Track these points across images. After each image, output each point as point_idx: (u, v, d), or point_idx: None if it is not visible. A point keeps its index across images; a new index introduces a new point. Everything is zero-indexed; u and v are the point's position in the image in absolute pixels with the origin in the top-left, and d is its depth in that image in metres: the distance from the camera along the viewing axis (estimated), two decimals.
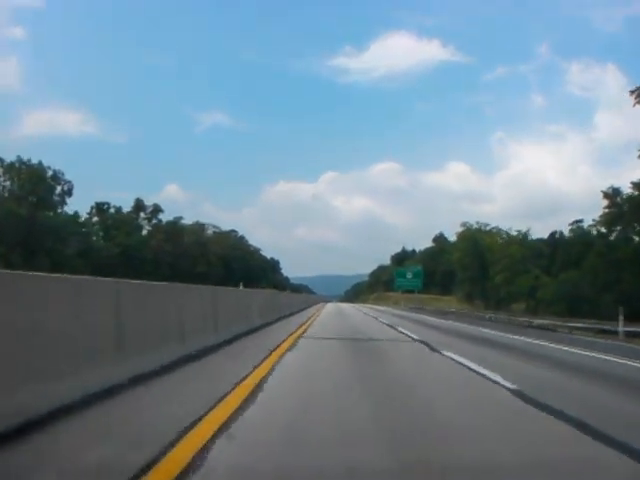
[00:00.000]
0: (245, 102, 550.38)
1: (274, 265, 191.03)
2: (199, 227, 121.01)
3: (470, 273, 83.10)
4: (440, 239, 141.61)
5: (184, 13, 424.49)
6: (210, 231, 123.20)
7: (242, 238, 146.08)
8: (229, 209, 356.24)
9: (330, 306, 59.27)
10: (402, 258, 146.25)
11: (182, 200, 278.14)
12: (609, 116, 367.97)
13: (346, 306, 68.11)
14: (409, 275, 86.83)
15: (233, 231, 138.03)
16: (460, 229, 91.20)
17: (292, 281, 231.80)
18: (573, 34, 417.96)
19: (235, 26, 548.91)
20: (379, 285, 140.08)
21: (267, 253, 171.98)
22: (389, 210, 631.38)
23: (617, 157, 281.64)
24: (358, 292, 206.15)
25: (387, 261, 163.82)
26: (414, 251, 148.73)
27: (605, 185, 53.87)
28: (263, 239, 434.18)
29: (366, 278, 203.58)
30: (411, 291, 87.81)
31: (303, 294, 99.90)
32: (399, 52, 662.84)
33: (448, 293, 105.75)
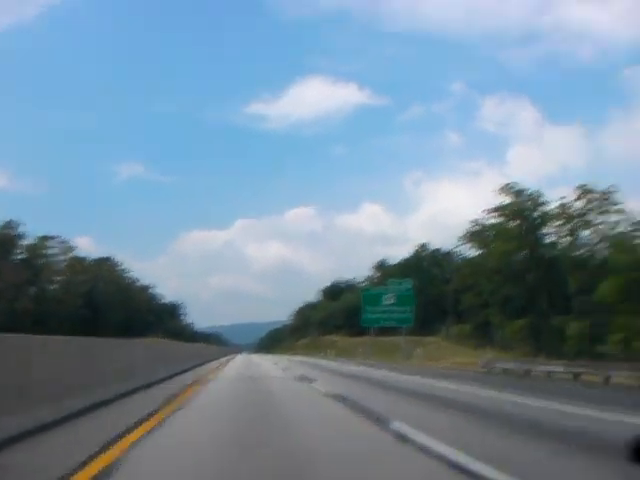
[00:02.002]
0: (162, 153, 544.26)
1: (172, 310, 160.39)
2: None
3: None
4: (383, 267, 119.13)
5: (97, 67, 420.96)
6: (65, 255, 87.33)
7: (123, 271, 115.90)
8: (143, 259, 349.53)
9: (240, 360, 45.11)
10: (337, 291, 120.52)
11: (95, 252, 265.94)
12: (522, 150, 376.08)
13: (260, 360, 45.96)
14: (388, 299, 53.25)
15: (107, 259, 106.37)
16: None
17: (206, 330, 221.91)
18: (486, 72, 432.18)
19: (150, 77, 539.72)
20: (310, 327, 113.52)
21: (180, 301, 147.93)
22: (304, 254, 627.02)
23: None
24: (276, 339, 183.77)
25: (302, 304, 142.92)
26: (351, 282, 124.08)
27: None
28: (175, 288, 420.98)
29: (281, 326, 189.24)
30: (390, 329, 57.93)
31: (199, 344, 70.64)
32: (315, 96, 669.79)
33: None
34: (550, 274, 49.35)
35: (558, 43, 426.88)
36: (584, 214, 47.72)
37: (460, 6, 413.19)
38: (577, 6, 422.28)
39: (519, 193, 52.74)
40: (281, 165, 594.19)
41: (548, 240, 52.76)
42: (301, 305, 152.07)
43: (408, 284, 55.62)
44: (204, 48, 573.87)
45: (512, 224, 53.19)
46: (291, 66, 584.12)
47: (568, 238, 50.09)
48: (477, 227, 57.07)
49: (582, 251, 49.49)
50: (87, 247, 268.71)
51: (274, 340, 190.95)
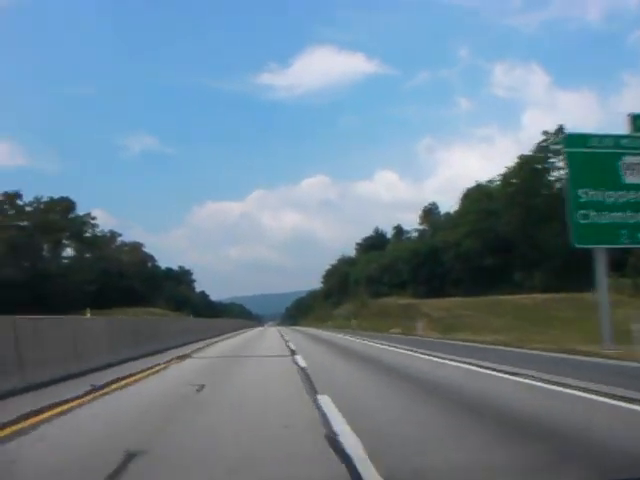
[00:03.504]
0: (173, 125, 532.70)
1: (179, 277, 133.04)
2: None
3: None
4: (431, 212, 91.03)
5: (107, 41, 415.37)
6: None
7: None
8: (158, 231, 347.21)
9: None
10: (378, 243, 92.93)
11: (109, 225, 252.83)
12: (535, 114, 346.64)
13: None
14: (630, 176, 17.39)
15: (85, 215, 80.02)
16: None
17: (226, 301, 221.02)
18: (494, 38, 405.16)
19: (159, 50, 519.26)
20: (350, 289, 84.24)
21: (198, 274, 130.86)
22: (321, 224, 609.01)
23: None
24: (303, 309, 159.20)
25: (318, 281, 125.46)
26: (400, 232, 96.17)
27: None
28: (194, 260, 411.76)
29: (304, 294, 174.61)
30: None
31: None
32: (324, 67, 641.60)
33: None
34: None
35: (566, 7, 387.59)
36: None
37: None
38: None
39: None
40: (294, 135, 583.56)
41: None
42: (329, 267, 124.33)
43: None
44: (214, 18, 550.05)
45: None
46: (299, 37, 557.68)
47: None
48: None
49: None
50: (101, 219, 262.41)
51: (301, 310, 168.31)
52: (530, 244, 54.89)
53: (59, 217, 70.54)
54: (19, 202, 68.79)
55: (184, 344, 20.52)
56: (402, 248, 73.04)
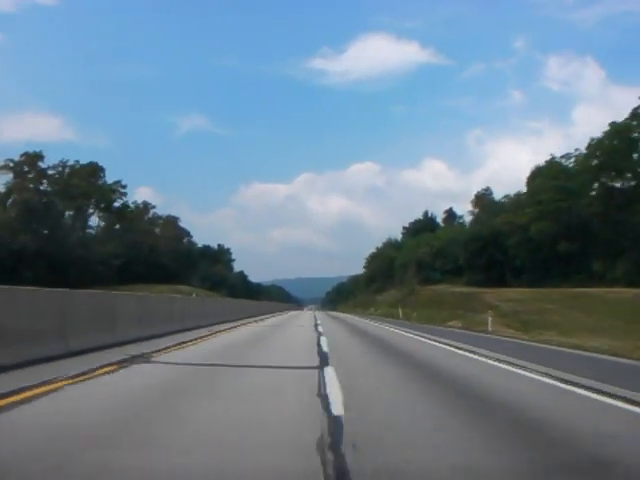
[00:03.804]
0: (223, 106, 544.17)
1: (215, 256, 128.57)
2: None
3: None
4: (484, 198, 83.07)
5: (162, 23, 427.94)
6: None
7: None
8: (204, 211, 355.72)
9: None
10: (423, 230, 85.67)
11: (155, 202, 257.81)
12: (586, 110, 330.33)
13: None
14: None
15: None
16: None
17: (268, 284, 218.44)
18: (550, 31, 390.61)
19: (213, 32, 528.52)
20: (395, 275, 76.71)
21: (241, 255, 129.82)
22: (367, 210, 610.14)
23: None
24: (343, 293, 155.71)
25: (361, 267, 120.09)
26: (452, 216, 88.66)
27: None
28: (238, 241, 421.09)
29: (346, 280, 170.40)
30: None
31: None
32: (377, 53, 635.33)
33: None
34: None
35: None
36: None
37: None
38: None
39: None
40: (341, 121, 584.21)
41: None
42: (374, 250, 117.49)
43: None
44: (269, 1, 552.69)
45: None
46: (354, 23, 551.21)
47: None
48: None
49: None
50: (148, 196, 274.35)
51: (342, 295, 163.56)
52: (614, 230, 46.44)
53: (86, 183, 65.23)
54: (41, 165, 63.87)
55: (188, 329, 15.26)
56: (458, 231, 64.83)
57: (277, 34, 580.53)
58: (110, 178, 73.93)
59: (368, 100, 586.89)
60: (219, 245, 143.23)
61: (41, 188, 61.22)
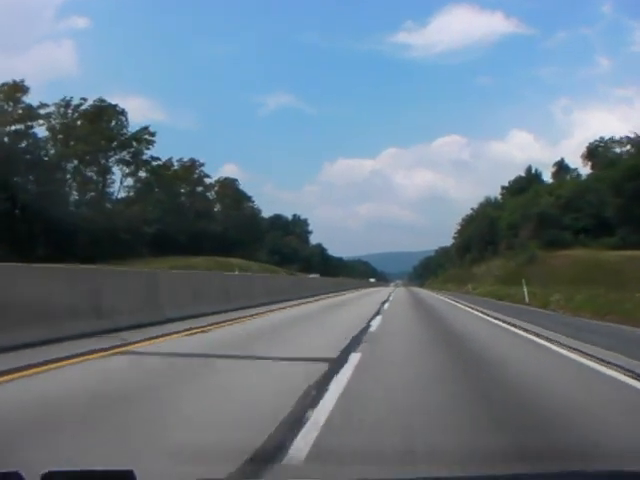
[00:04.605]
0: (308, 82, 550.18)
1: (286, 227, 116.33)
2: None
3: None
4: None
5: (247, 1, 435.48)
6: None
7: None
8: (289, 187, 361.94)
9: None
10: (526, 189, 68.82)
11: (240, 179, 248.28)
12: None
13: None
14: None
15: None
16: None
17: (353, 259, 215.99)
18: None
19: (296, 9, 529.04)
20: (498, 237, 60.15)
21: (323, 233, 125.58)
22: (452, 183, 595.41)
23: None
24: (431, 268, 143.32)
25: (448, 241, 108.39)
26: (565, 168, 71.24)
27: None
28: (324, 217, 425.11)
29: (432, 253, 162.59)
30: None
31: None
32: (461, 25, 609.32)
33: None
34: None
35: None
36: None
37: None
38: None
39: None
40: (425, 94, 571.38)
41: None
42: (466, 214, 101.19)
43: None
44: None
45: None
46: None
47: None
48: None
49: None
50: (233, 173, 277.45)
51: (429, 269, 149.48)
52: None
53: (94, 127, 52.79)
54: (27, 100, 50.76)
55: None
56: (602, 177, 45.71)
57: (361, 10, 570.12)
58: (198, 156, 62.14)
59: (452, 73, 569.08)
60: (294, 215, 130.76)
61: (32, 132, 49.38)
